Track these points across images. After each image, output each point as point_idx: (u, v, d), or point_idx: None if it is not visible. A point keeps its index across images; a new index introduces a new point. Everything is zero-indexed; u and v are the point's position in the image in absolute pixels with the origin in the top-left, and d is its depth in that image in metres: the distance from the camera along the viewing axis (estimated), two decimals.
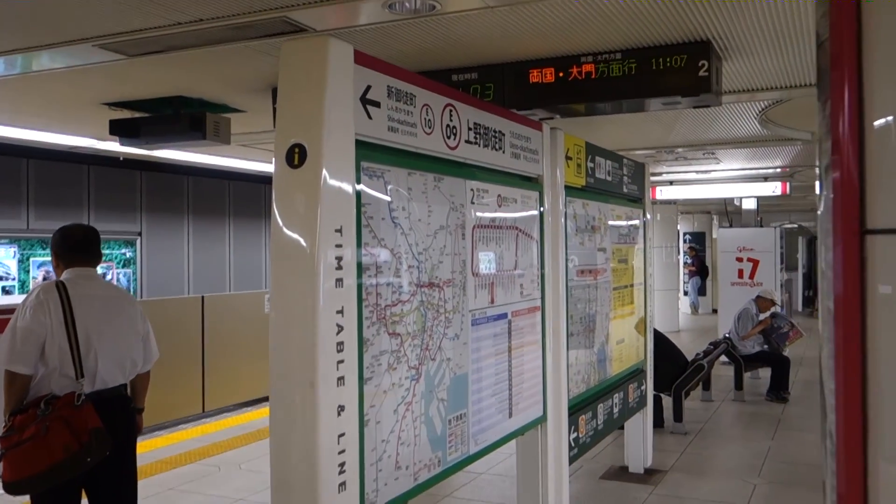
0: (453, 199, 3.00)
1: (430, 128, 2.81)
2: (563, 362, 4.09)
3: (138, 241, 11.25)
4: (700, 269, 21.09)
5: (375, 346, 2.49)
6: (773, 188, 11.07)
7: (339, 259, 2.27)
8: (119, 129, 5.19)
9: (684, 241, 21.24)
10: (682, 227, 21.06)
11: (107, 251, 10.92)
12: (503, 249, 3.42)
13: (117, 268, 11.09)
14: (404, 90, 2.66)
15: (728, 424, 7.73)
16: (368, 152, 2.47)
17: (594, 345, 4.70)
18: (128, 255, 11.23)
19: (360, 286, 2.39)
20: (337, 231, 2.27)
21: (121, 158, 8.67)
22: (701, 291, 21.28)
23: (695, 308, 21.01)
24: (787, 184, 11.04)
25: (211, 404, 8.27)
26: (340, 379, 2.28)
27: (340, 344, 2.28)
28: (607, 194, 4.99)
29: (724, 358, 9.19)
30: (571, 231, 4.29)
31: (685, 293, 20.87)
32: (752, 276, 11.50)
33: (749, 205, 12.56)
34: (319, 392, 2.21)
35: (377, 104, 2.50)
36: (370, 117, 2.46)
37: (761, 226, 12.79)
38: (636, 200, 5.69)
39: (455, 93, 3.03)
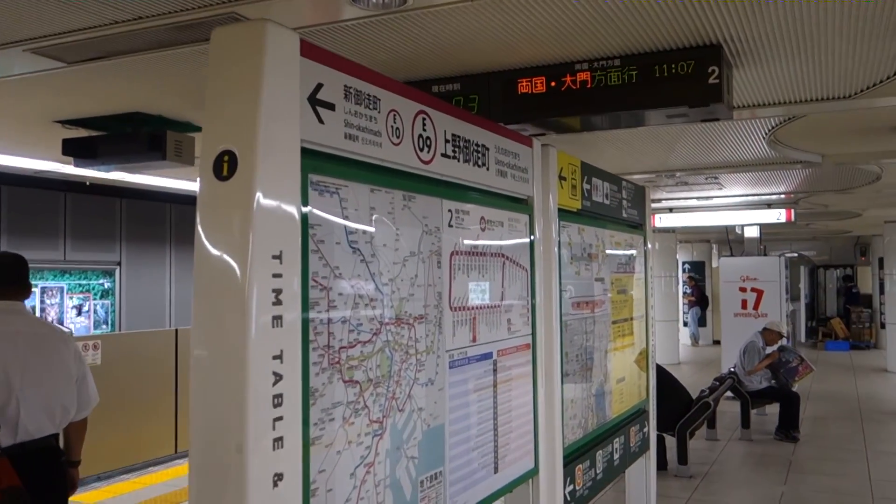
0: (427, 222, 2.58)
1: (398, 137, 2.40)
2: (558, 406, 3.65)
3: (117, 271, 10.80)
4: (700, 300, 20.66)
5: (327, 398, 2.05)
6: (778, 215, 10.67)
7: (278, 292, 1.84)
8: (73, 149, 4.78)
9: (683, 271, 20.85)
10: (681, 256, 20.68)
11: (84, 281, 10.48)
12: (487, 280, 3.00)
13: (95, 299, 10.63)
14: (366, 92, 2.25)
15: (736, 467, 7.25)
16: (319, 163, 2.06)
17: (592, 385, 4.25)
18: (106, 286, 10.77)
19: (306, 324, 1.96)
20: (275, 257, 1.84)
21: (87, 183, 8.26)
22: (701, 322, 20.85)
23: (695, 339, 20.55)
24: (793, 211, 10.65)
25: (185, 444, 7.77)
26: (278, 440, 1.84)
27: (278, 397, 1.84)
28: (605, 219, 4.58)
29: (728, 393, 8.73)
30: (566, 259, 3.87)
31: (685, 324, 20.42)
32: (756, 307, 11.07)
33: (751, 233, 12.16)
34: (249, 458, 1.77)
35: (331, 106, 2.09)
36: (321, 121, 2.05)
37: (765, 254, 12.39)
38: (636, 227, 5.27)
39: (429, 98, 2.63)
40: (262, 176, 1.82)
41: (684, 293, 20.35)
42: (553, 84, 3.42)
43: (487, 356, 2.98)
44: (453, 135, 2.76)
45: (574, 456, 3.92)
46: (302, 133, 1.96)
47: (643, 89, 3.26)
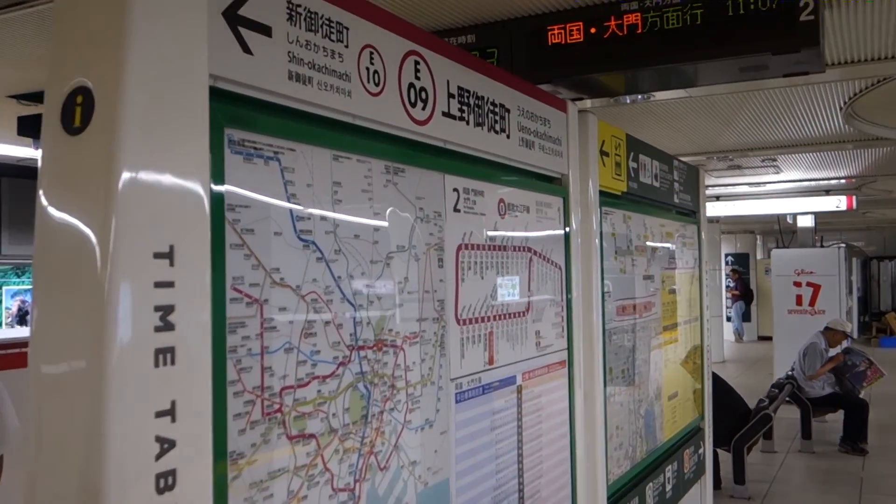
0: (422, 205, 1.88)
1: (377, 85, 1.70)
2: (600, 436, 2.94)
3: None
4: (744, 294, 19.67)
5: (259, 466, 1.37)
6: (837, 202, 9.76)
7: (167, 310, 1.16)
8: (29, 128, 4.17)
9: (726, 263, 19.88)
10: (724, 247, 19.71)
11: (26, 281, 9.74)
12: (508, 281, 2.29)
13: None
14: (325, 15, 1.56)
15: (799, 485, 6.45)
16: (245, 114, 1.37)
17: (641, 405, 3.52)
18: None
19: (220, 357, 1.28)
20: (161, 256, 1.16)
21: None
22: (745, 317, 19.85)
23: (739, 335, 19.58)
24: (854, 197, 9.72)
25: None
26: None
27: (167, 477, 1.16)
28: (654, 205, 3.84)
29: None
30: (609, 253, 3.15)
31: (728, 319, 19.45)
32: (812, 304, 10.19)
33: (805, 222, 11.24)
34: None
35: (264, 30, 1.40)
36: (248, 50, 1.36)
37: (822, 245, 11.47)
38: (689, 214, 4.52)
39: (425, 36, 1.92)
40: (135, 125, 1.14)
41: (727, 287, 19.38)
42: (593, 31, 2.69)
43: (509, 382, 2.28)
44: (460, 88, 2.05)
45: (620, 494, 3.20)
46: (213, 65, 1.27)
47: (711, 33, 2.51)
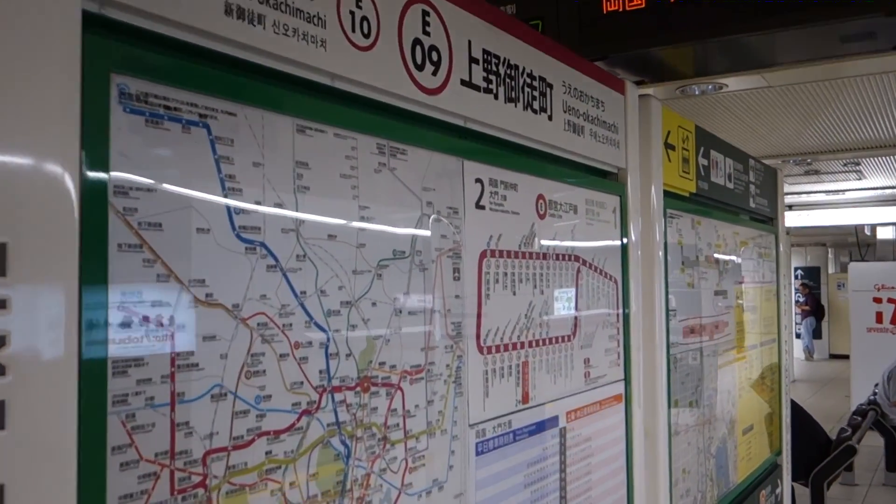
0: (432, 198, 1.44)
1: (367, 35, 1.27)
2: (664, 483, 2.44)
3: None
4: (815, 309, 18.65)
5: None
6: None
7: None
8: None
9: (795, 277, 18.91)
10: (794, 261, 18.76)
11: None
12: (550, 297, 1.83)
13: None
14: None
15: None
16: (146, 56, 0.95)
17: (712, 442, 3.00)
18: None
19: (98, 413, 0.86)
20: None
21: None
22: (816, 334, 18.82)
23: (809, 353, 18.56)
24: None
25: None
26: None
27: None
28: (728, 209, 3.32)
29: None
30: (675, 264, 2.66)
31: (797, 336, 18.47)
32: (894, 321, 9.37)
33: (886, 234, 10.41)
34: None
35: None
36: None
37: None
38: (767, 221, 3.98)
39: None
40: None
41: (797, 302, 18.40)
42: None
43: (550, 424, 1.81)
44: (486, 52, 1.60)
45: None
46: None
47: None
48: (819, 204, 9.60)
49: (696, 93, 3.67)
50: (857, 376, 9.42)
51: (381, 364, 1.29)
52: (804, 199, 9.18)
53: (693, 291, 2.85)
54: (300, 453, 1.12)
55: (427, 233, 1.42)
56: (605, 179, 2.20)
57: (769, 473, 3.86)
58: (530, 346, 1.73)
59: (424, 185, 1.42)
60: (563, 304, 1.88)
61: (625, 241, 2.24)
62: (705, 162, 2.98)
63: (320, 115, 1.19)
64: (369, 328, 1.26)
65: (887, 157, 6.17)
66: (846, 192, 8.55)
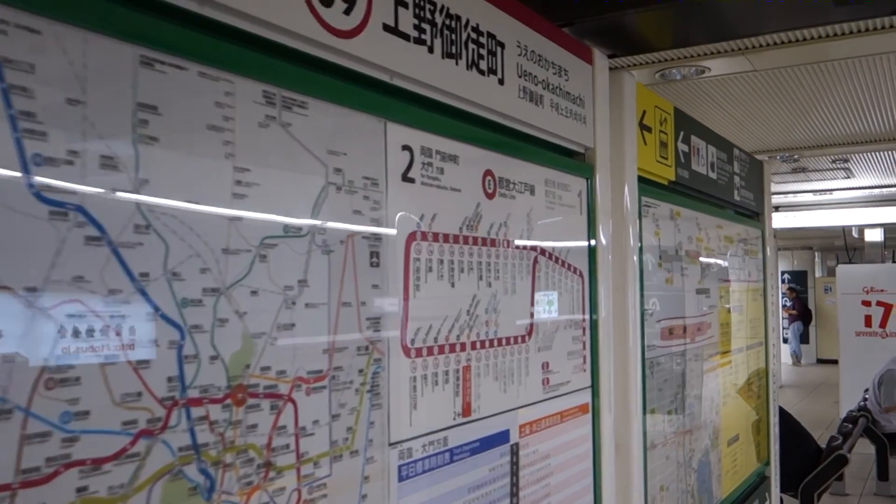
0: (341, 164, 1.17)
1: None
2: (638, 501, 2.18)
3: None
4: (802, 314, 18.49)
5: None
6: None
7: None
8: None
9: (782, 281, 18.75)
10: (781, 265, 18.60)
11: None
12: (499, 290, 1.56)
13: None
14: None
15: None
16: None
17: (693, 456, 2.74)
18: None
19: None
20: None
21: None
22: (803, 339, 18.66)
23: (796, 358, 18.40)
24: None
25: None
26: None
27: None
28: (711, 201, 3.07)
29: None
30: (652, 258, 2.40)
31: (784, 340, 18.30)
32: (883, 325, 9.17)
33: (873, 236, 10.22)
34: None
35: None
36: None
37: (893, 261, 10.44)
38: (752, 216, 3.73)
39: None
40: None
41: (784, 306, 18.24)
42: None
43: (498, 440, 1.54)
44: None
45: None
46: None
47: None
48: (806, 205, 9.40)
49: (678, 77, 3.42)
50: (846, 381, 9.21)
51: (265, 370, 1.02)
52: (791, 199, 8.97)
53: (672, 289, 2.59)
54: (135, 489, 0.84)
55: (334, 207, 1.14)
56: (571, 159, 1.94)
57: (756, 486, 3.60)
58: (473, 347, 1.46)
59: (331, 147, 1.15)
60: (515, 300, 1.61)
61: (593, 229, 1.98)
62: (685, 148, 2.72)
63: (177, 47, 0.92)
64: (247, 324, 0.99)
65: (877, 154, 5.95)
66: (834, 192, 8.35)
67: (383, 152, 1.26)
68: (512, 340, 1.60)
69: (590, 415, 1.93)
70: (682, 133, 2.68)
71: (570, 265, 1.85)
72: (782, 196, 8.77)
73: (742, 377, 3.43)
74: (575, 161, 1.95)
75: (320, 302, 1.11)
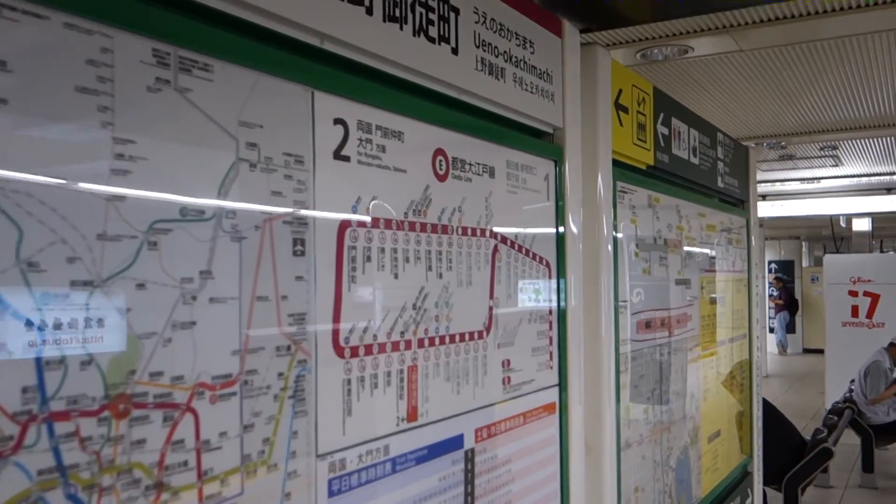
0: (256, 138, 1.02)
1: None
2: None
3: None
4: (788, 303, 18.46)
5: None
6: None
7: None
8: None
9: (769, 271, 18.72)
10: (768, 254, 18.55)
11: None
12: (451, 282, 1.42)
13: None
14: None
15: None
16: None
17: (671, 455, 2.61)
18: None
19: None
20: None
21: None
22: (789, 328, 18.64)
23: (782, 347, 18.38)
24: None
25: None
26: None
27: None
28: (692, 188, 2.93)
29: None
30: (627, 246, 2.26)
31: (771, 330, 18.28)
32: (870, 315, 9.10)
33: (861, 226, 10.14)
34: None
35: None
36: None
37: (881, 251, 10.36)
38: (737, 205, 3.60)
39: None
40: None
41: (770, 296, 18.20)
42: None
43: (450, 446, 1.40)
44: None
45: None
46: None
47: None
48: (794, 193, 9.29)
49: (660, 58, 3.27)
50: (832, 371, 9.14)
51: (155, 375, 0.87)
52: (778, 187, 8.86)
53: (650, 280, 2.45)
54: None
55: (246, 187, 1.00)
56: (538, 140, 1.79)
57: (739, 483, 3.49)
58: (421, 345, 1.32)
59: (244, 118, 1.00)
60: (472, 292, 1.47)
61: (562, 216, 1.84)
62: (665, 131, 2.58)
63: None
64: (132, 322, 0.84)
65: (866, 141, 5.83)
66: (822, 181, 8.24)
67: (310, 126, 1.11)
68: (467, 337, 1.45)
69: (556, 415, 1.80)
70: (661, 115, 2.54)
71: (535, 255, 1.71)
72: (769, 184, 8.67)
73: (724, 371, 3.30)
74: (542, 142, 1.80)
75: (229, 296, 0.96)
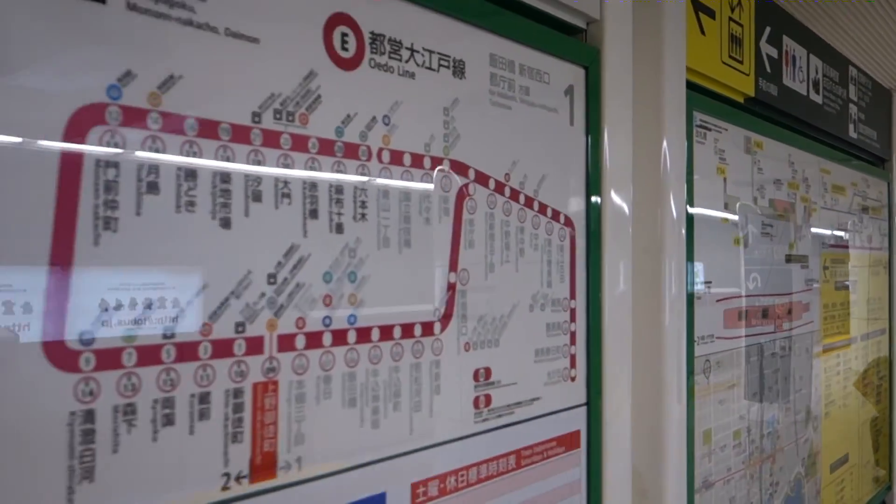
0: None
1: None
2: None
3: None
4: None
5: None
6: None
7: None
8: None
9: None
10: None
11: None
12: (365, 239, 0.85)
13: None
14: None
15: None
16: None
17: (776, 489, 1.93)
18: None
19: None
20: None
21: None
22: None
23: None
24: None
25: None
26: None
27: None
28: (811, 134, 2.21)
29: None
30: (708, 204, 1.61)
31: None
32: None
33: None
34: None
35: None
36: None
37: None
38: (875, 163, 2.82)
39: None
40: None
41: None
42: None
43: None
44: None
45: None
46: None
47: None
48: None
49: None
50: None
51: None
52: None
53: (746, 255, 1.78)
54: None
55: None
56: (556, 32, 1.18)
57: None
58: (287, 346, 0.76)
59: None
60: (411, 259, 0.90)
61: (595, 151, 1.22)
62: (774, 52, 1.89)
63: None
64: None
65: None
66: None
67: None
68: (400, 332, 0.88)
69: (582, 450, 1.19)
70: (768, 30, 1.86)
71: (544, 206, 1.11)
72: None
73: (855, 377, 2.56)
74: (561, 36, 1.19)
75: None
